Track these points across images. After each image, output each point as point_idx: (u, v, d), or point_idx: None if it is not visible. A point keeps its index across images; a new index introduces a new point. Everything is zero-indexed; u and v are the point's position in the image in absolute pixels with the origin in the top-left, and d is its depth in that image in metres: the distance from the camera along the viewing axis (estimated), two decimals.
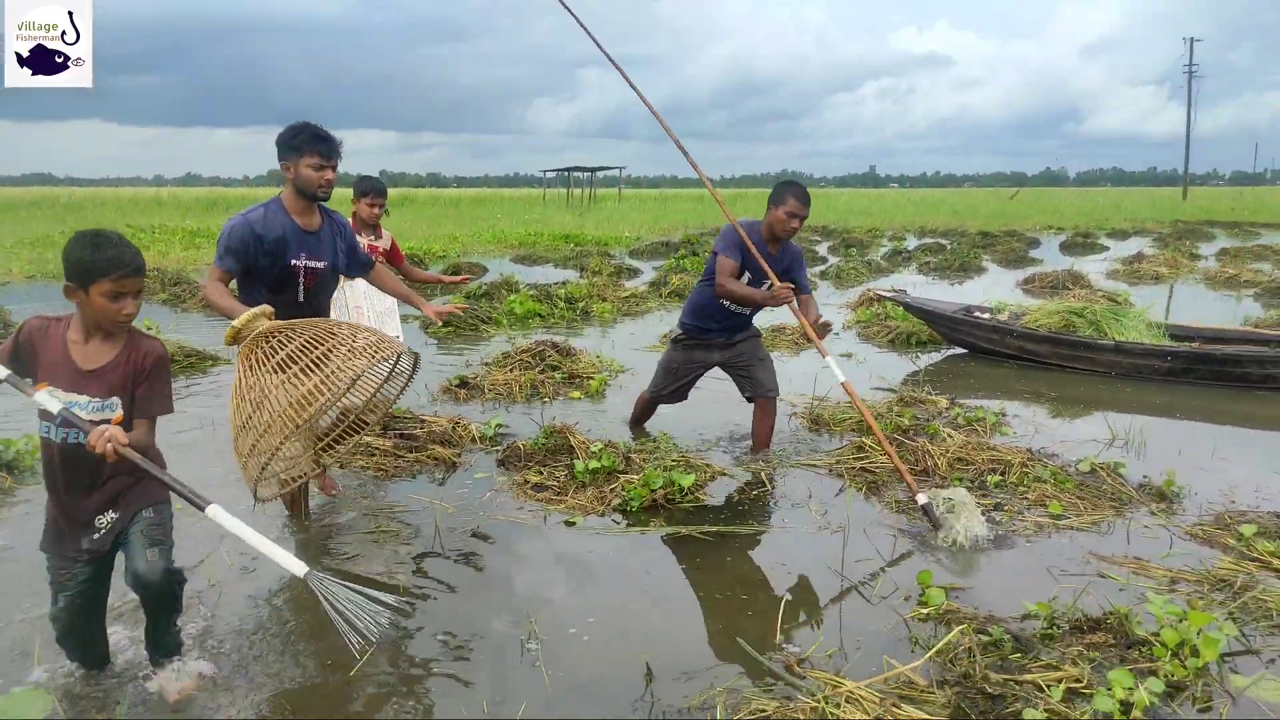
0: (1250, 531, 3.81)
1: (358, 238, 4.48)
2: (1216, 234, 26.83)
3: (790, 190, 4.69)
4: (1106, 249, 21.45)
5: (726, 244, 4.73)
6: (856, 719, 2.48)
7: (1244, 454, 5.38)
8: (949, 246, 20.67)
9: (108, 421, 2.43)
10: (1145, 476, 4.67)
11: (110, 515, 2.60)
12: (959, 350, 8.47)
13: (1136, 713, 2.51)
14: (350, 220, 4.62)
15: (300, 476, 3.51)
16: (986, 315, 8.40)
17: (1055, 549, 3.90)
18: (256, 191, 60.37)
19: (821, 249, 21.58)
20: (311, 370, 2.92)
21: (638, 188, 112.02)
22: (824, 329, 4.75)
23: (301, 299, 3.76)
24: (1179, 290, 13.47)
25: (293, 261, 3.71)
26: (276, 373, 2.93)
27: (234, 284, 3.68)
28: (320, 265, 3.81)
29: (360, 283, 4.96)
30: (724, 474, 4.81)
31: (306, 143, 3.64)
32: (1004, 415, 6.03)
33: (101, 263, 2.39)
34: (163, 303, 11.11)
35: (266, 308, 3.13)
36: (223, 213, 34.97)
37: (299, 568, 2.36)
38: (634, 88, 4.97)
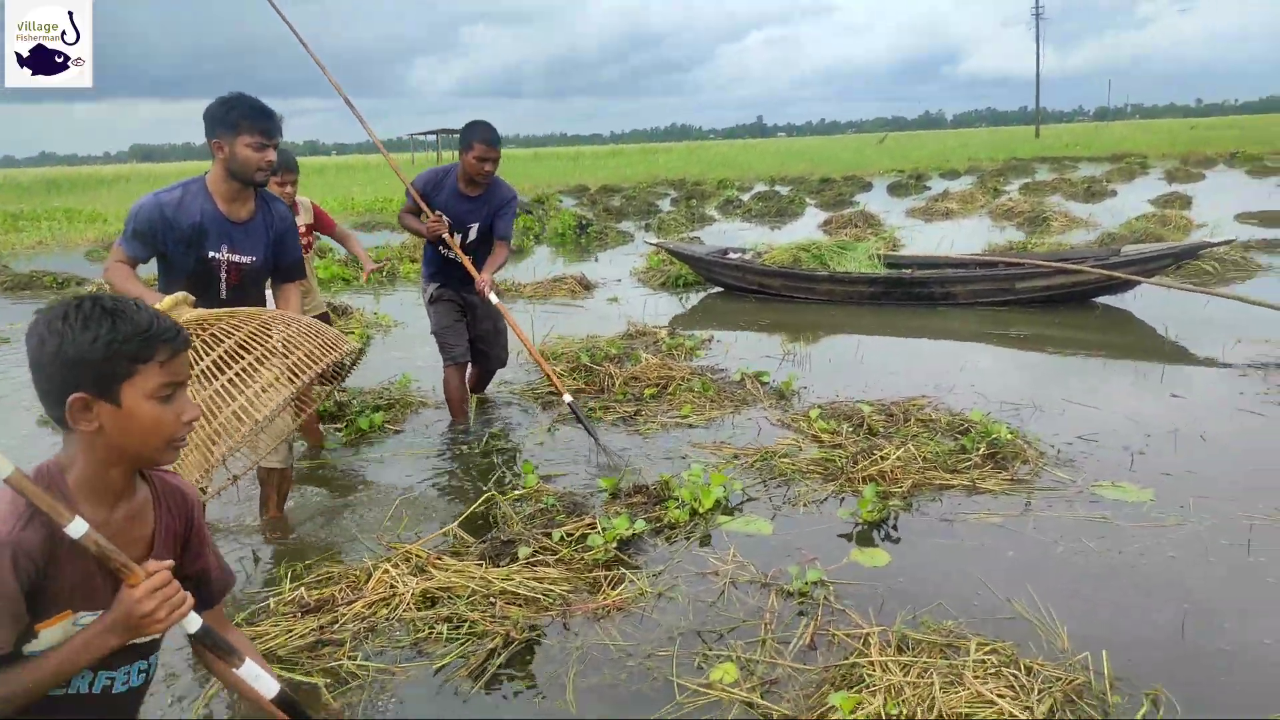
0: (815, 414, 4.73)
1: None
2: (1038, 169, 28.82)
3: (475, 133, 4.66)
4: (928, 189, 22.93)
5: (415, 183, 4.89)
6: (397, 570, 3.22)
7: (884, 357, 6.40)
8: (784, 194, 21.80)
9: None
10: (779, 381, 5.58)
11: None
12: (717, 289, 9.38)
13: (609, 540, 3.34)
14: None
15: (242, 472, 3.09)
16: (738, 256, 9.31)
17: (667, 441, 4.75)
18: (119, 169, 57.53)
19: (665, 202, 22.40)
20: (244, 378, 2.53)
21: (527, 147, 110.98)
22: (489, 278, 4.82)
23: (225, 296, 3.27)
24: (957, 225, 14.78)
25: (211, 254, 3.23)
26: (201, 380, 2.50)
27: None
28: (247, 260, 3.31)
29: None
30: (425, 405, 5.53)
31: (244, 118, 3.13)
32: (709, 341, 6.92)
33: (138, 338, 1.49)
34: (45, 291, 11.02)
35: (186, 295, 2.63)
36: (65, 194, 33.56)
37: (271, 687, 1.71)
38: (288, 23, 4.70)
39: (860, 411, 4.70)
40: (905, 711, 2.30)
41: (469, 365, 5.25)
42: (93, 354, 1.39)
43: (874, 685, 2.42)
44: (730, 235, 14.57)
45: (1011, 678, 2.47)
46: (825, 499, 3.88)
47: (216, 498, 3.21)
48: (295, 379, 2.60)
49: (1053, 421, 4.75)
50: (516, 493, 3.94)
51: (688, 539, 3.57)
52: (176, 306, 2.54)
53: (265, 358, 2.57)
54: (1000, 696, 2.37)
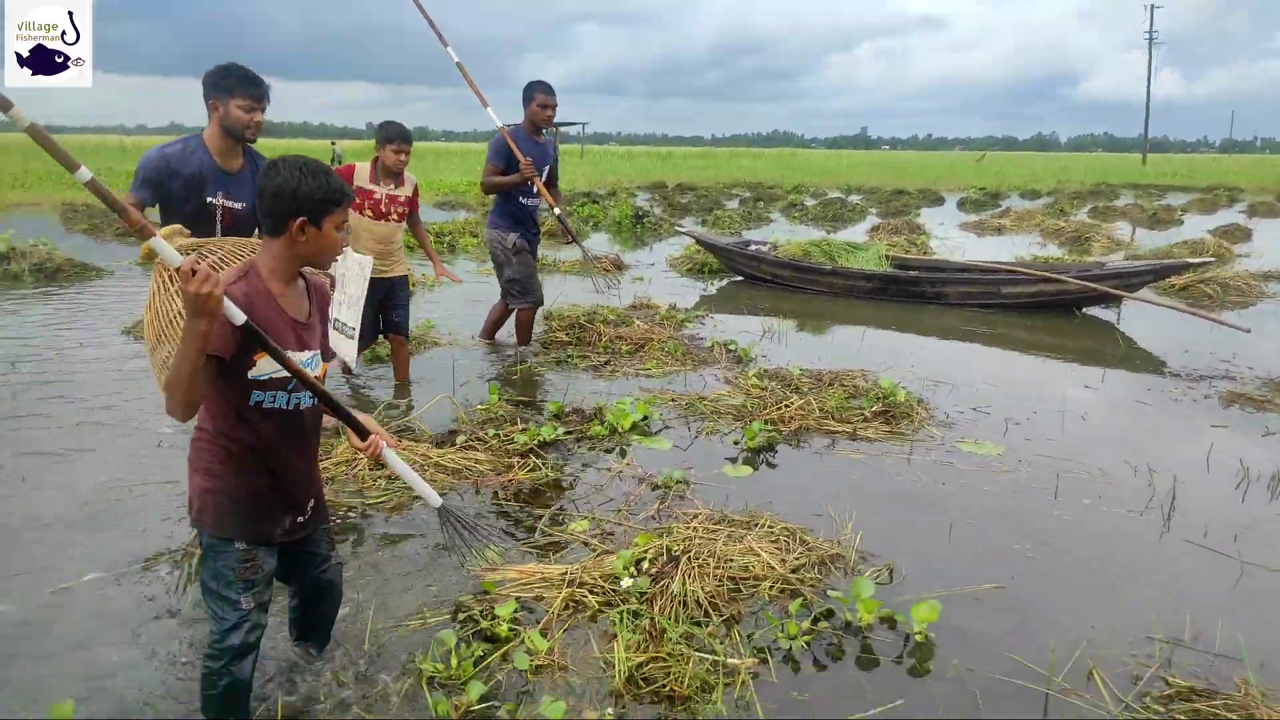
0: (753, 375, 5.49)
1: (375, 185, 4.93)
2: (1124, 195, 28.39)
3: (537, 87, 5.83)
4: (998, 206, 23.02)
5: (490, 152, 5.88)
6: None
7: (849, 340, 7.07)
8: (852, 201, 22.25)
9: (318, 377, 2.23)
10: (742, 348, 6.34)
11: (314, 502, 2.34)
12: (738, 278, 10.13)
13: (531, 438, 4.20)
14: (370, 166, 5.00)
15: None
16: (756, 248, 10.05)
17: (626, 386, 5.58)
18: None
19: (734, 202, 23.08)
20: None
21: (629, 144, 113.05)
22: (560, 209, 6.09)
23: (219, 236, 3.68)
24: (1005, 240, 15.09)
25: (209, 199, 3.69)
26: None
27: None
28: (238, 206, 3.76)
29: (353, 257, 4.71)
30: (438, 344, 6.48)
31: (238, 84, 3.58)
32: (705, 316, 7.72)
33: (338, 192, 2.13)
34: (81, 231, 12.63)
35: (180, 226, 3.07)
36: None
37: (435, 500, 2.42)
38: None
39: (792, 374, 5.43)
40: (685, 549, 3.08)
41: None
42: (316, 194, 2.06)
43: (676, 537, 3.20)
44: (779, 236, 15.21)
45: (785, 545, 3.24)
46: (728, 433, 4.65)
47: None
48: None
49: (961, 396, 5.40)
50: (480, 406, 4.82)
51: (605, 450, 4.40)
52: (173, 235, 2.92)
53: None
54: (766, 552, 3.14)
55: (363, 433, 2.26)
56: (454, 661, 2.49)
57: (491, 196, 6.15)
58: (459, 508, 2.79)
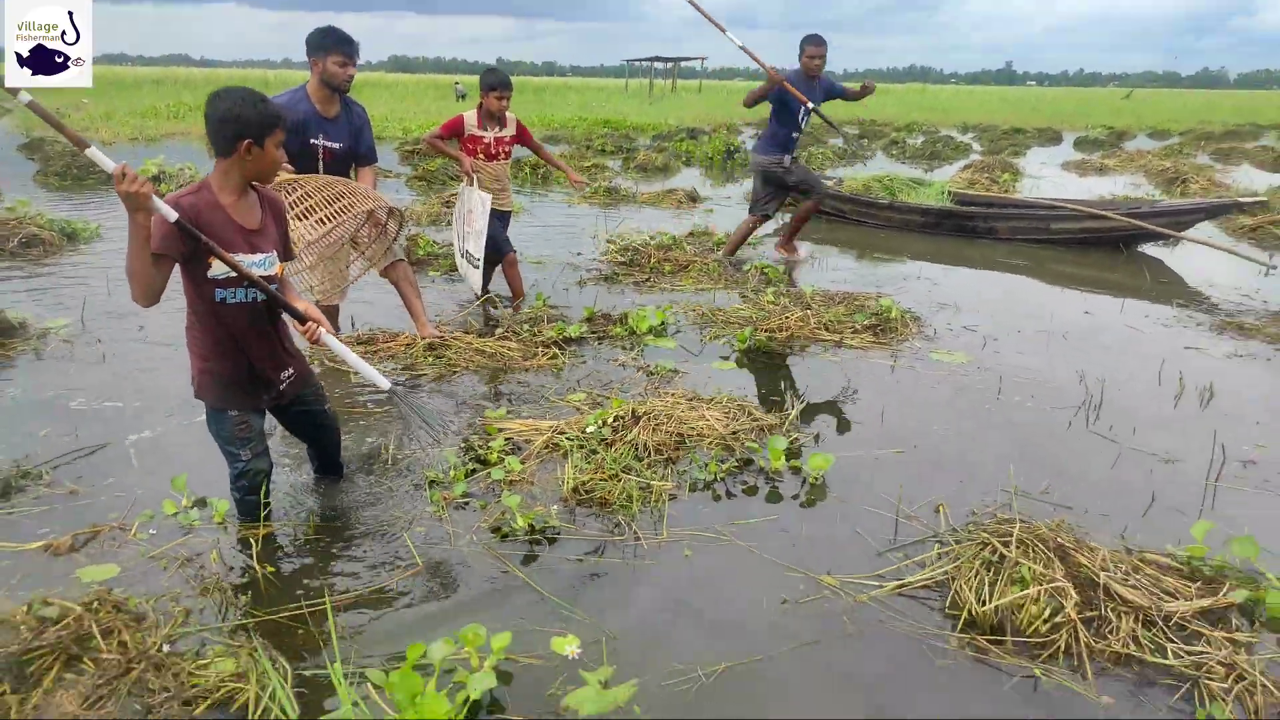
0: (770, 293, 6.17)
1: (485, 131, 5.59)
2: (1265, 135, 26.67)
3: (807, 40, 6.99)
4: (1117, 146, 22.18)
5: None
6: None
7: (885, 267, 7.58)
8: (957, 139, 21.95)
9: (272, 276, 2.73)
10: (772, 270, 7.00)
11: (289, 372, 2.91)
12: None
13: (557, 334, 5.06)
14: (476, 113, 5.61)
15: (326, 293, 4.48)
16: (829, 183, 10.51)
17: (659, 298, 6.35)
18: (371, 76, 63.69)
19: (838, 140, 23.06)
20: (324, 207, 3.92)
21: (755, 80, 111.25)
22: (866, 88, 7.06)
23: (321, 171, 4.40)
24: (1104, 180, 14.85)
25: (312, 140, 4.38)
26: (291, 209, 3.78)
27: None
28: (336, 145, 4.48)
29: (476, 194, 5.43)
30: None
31: (334, 44, 4.28)
32: (750, 241, 8.36)
33: (275, 116, 2.57)
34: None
35: (286, 164, 3.95)
36: None
37: (384, 383, 3.04)
38: None
39: (804, 293, 6.08)
40: (648, 412, 3.87)
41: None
42: (257, 119, 2.50)
43: (652, 408, 4.00)
44: (869, 173, 15.43)
45: (734, 415, 3.99)
46: (731, 338, 5.38)
47: (345, 299, 5.02)
48: (345, 215, 4.06)
49: (961, 317, 5.93)
50: (527, 309, 5.70)
51: (622, 348, 5.21)
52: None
53: (330, 202, 3.96)
54: (715, 419, 3.91)
55: (303, 319, 2.78)
56: (450, 471, 3.40)
57: None
58: (407, 390, 3.42)
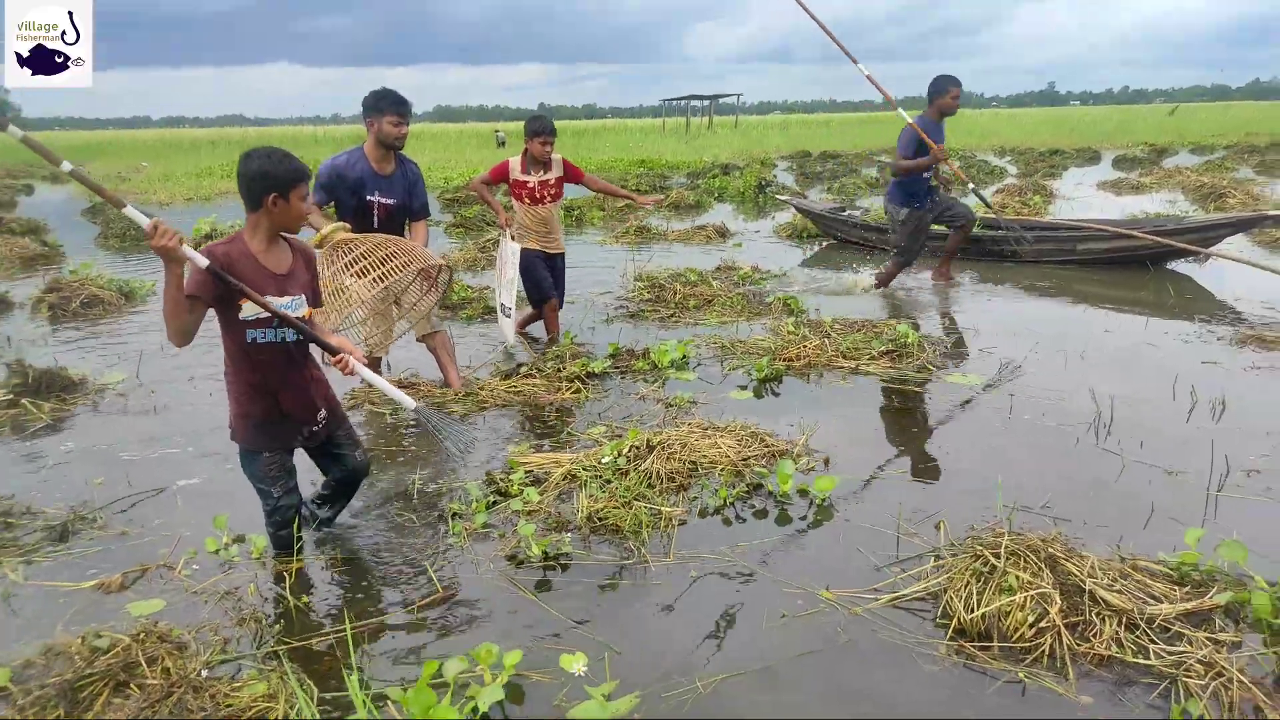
0: (790, 323, 6.31)
1: (529, 175, 5.76)
2: None
3: (949, 80, 7.12)
4: (1156, 163, 21.94)
5: (902, 143, 7.13)
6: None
7: (901, 294, 7.69)
8: (991, 163, 21.92)
9: (303, 318, 2.94)
10: (794, 301, 7.15)
11: (322, 414, 3.14)
12: (832, 241, 10.78)
13: (580, 370, 5.27)
14: (521, 159, 5.79)
15: (367, 347, 4.67)
16: (848, 213, 10.66)
17: (682, 332, 6.53)
18: (415, 127, 65.21)
19: (874, 170, 23.19)
20: (377, 266, 4.05)
21: (793, 112, 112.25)
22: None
23: (375, 226, 4.68)
24: (1142, 198, 14.74)
25: (368, 198, 4.67)
26: (348, 269, 4.03)
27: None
28: (391, 202, 4.74)
29: (506, 245, 5.71)
30: None
31: (389, 105, 4.57)
32: (777, 273, 8.53)
33: (299, 171, 2.82)
34: None
35: (344, 224, 4.20)
36: None
37: (410, 404, 3.26)
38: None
39: (824, 323, 6.22)
40: (661, 442, 4.04)
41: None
42: (283, 175, 2.77)
43: (666, 438, 4.16)
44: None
45: (746, 442, 4.15)
46: (747, 368, 5.54)
47: (387, 352, 5.31)
48: (397, 274, 4.14)
49: (976, 340, 6.02)
50: (555, 348, 5.92)
51: (644, 381, 5.39)
52: (335, 229, 4.08)
53: (383, 261, 4.08)
54: (727, 446, 4.06)
55: (334, 352, 3.00)
56: (472, 503, 3.60)
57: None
58: (432, 409, 3.49)
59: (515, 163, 5.89)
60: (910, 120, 7.06)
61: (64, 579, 3.14)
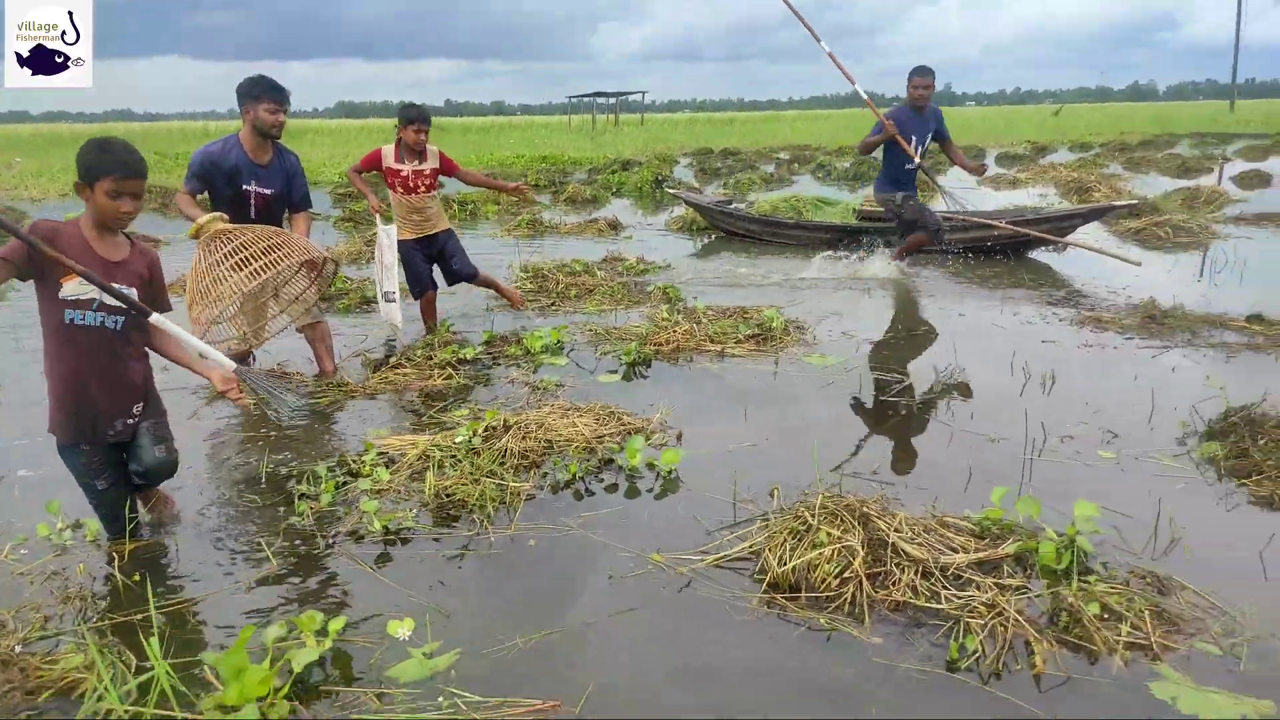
0: (664, 310, 6.46)
1: (402, 164, 5.71)
2: (1180, 144, 27.83)
3: (915, 71, 7.64)
4: (1034, 160, 23.05)
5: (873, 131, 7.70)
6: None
7: (785, 284, 7.95)
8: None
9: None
10: (671, 290, 7.31)
11: (139, 406, 3.06)
12: (721, 233, 11.03)
13: (449, 356, 5.30)
14: (395, 148, 5.74)
15: (241, 341, 4.52)
16: (733, 205, 10.93)
17: (561, 320, 6.62)
18: (313, 123, 63.76)
19: (771, 166, 23.68)
20: (259, 257, 3.90)
21: (702, 111, 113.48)
22: (979, 169, 8.01)
23: (253, 217, 4.61)
24: (1016, 192, 15.48)
25: (244, 187, 4.60)
26: (226, 260, 3.83)
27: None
28: (268, 191, 4.70)
29: (380, 230, 5.70)
30: None
31: (264, 91, 4.52)
32: (661, 264, 8.70)
33: (106, 163, 2.70)
34: (152, 210, 14.23)
35: (220, 214, 3.98)
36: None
37: (229, 364, 3.11)
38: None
39: (697, 309, 6.39)
40: (518, 421, 4.12)
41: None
42: (86, 164, 2.70)
43: (524, 418, 4.24)
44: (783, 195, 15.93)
45: (604, 420, 4.26)
46: (622, 353, 5.66)
47: (262, 345, 5.08)
48: (280, 265, 4.01)
49: (839, 324, 6.28)
50: (428, 336, 5.93)
51: (516, 366, 5.46)
52: (212, 220, 3.88)
53: (265, 253, 3.92)
54: (584, 425, 4.17)
55: (145, 313, 2.91)
56: (320, 484, 3.61)
57: None
58: (260, 373, 3.48)
59: (389, 150, 5.86)
60: (865, 95, 7.93)
61: None
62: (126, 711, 2.19)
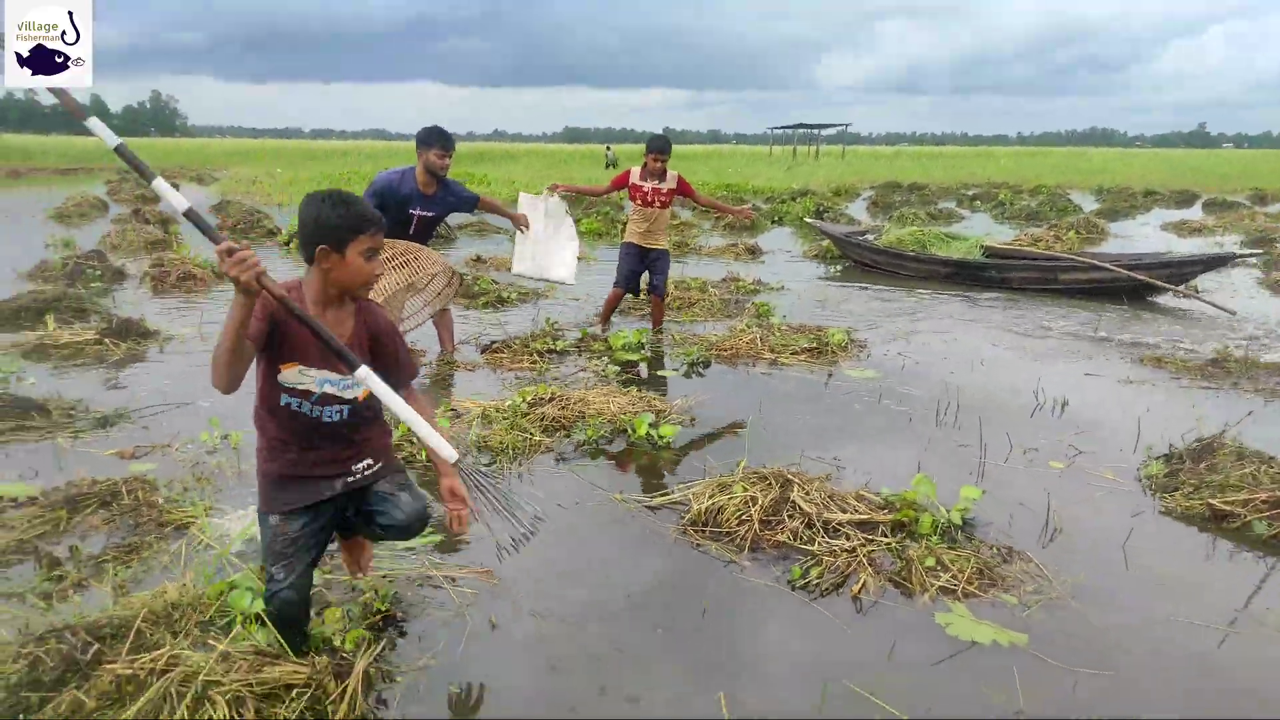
0: (745, 323, 7.21)
1: (643, 182, 6.74)
2: None
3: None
4: (1249, 209, 21.46)
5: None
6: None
7: (879, 306, 8.43)
8: (1072, 202, 21.96)
9: (356, 399, 2.39)
10: (764, 307, 8.03)
11: (368, 461, 2.53)
12: (851, 262, 11.55)
13: (542, 348, 6.34)
14: (640, 169, 6.75)
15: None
16: (861, 236, 11.42)
17: (672, 328, 7.52)
18: (548, 147, 68.15)
19: (952, 202, 23.45)
20: (410, 264, 5.41)
21: (921, 144, 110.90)
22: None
23: (411, 234, 5.66)
24: (1192, 240, 14.81)
25: (411, 211, 5.59)
26: (388, 262, 5.24)
27: None
28: (429, 215, 5.68)
29: (544, 204, 6.57)
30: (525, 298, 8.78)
31: (435, 140, 5.46)
32: (775, 285, 9.41)
33: (354, 220, 2.26)
34: None
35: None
36: (489, 164, 41.79)
37: (450, 454, 2.43)
38: None
39: (772, 324, 7.10)
40: (560, 395, 5.05)
41: None
42: (335, 222, 2.23)
43: (567, 395, 5.16)
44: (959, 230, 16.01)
45: (636, 402, 5.11)
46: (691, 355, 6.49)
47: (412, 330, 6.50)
48: (417, 273, 5.56)
49: (900, 345, 6.79)
50: (538, 330, 7.01)
51: (596, 357, 6.41)
52: None
53: (409, 262, 5.48)
54: (615, 403, 5.05)
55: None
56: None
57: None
58: (479, 473, 2.60)
59: (636, 170, 6.95)
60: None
61: (96, 449, 4.41)
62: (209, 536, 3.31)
